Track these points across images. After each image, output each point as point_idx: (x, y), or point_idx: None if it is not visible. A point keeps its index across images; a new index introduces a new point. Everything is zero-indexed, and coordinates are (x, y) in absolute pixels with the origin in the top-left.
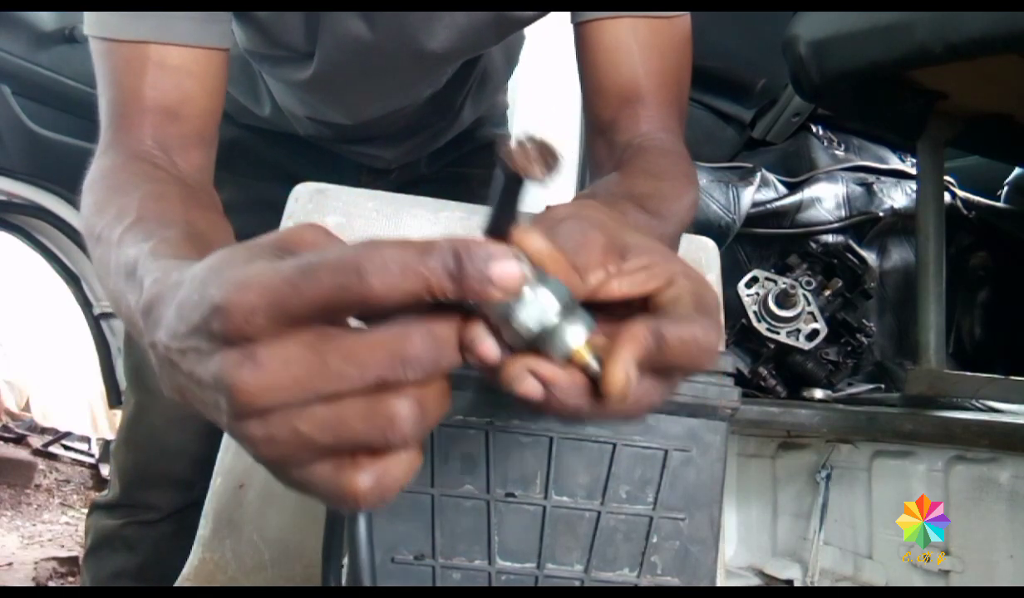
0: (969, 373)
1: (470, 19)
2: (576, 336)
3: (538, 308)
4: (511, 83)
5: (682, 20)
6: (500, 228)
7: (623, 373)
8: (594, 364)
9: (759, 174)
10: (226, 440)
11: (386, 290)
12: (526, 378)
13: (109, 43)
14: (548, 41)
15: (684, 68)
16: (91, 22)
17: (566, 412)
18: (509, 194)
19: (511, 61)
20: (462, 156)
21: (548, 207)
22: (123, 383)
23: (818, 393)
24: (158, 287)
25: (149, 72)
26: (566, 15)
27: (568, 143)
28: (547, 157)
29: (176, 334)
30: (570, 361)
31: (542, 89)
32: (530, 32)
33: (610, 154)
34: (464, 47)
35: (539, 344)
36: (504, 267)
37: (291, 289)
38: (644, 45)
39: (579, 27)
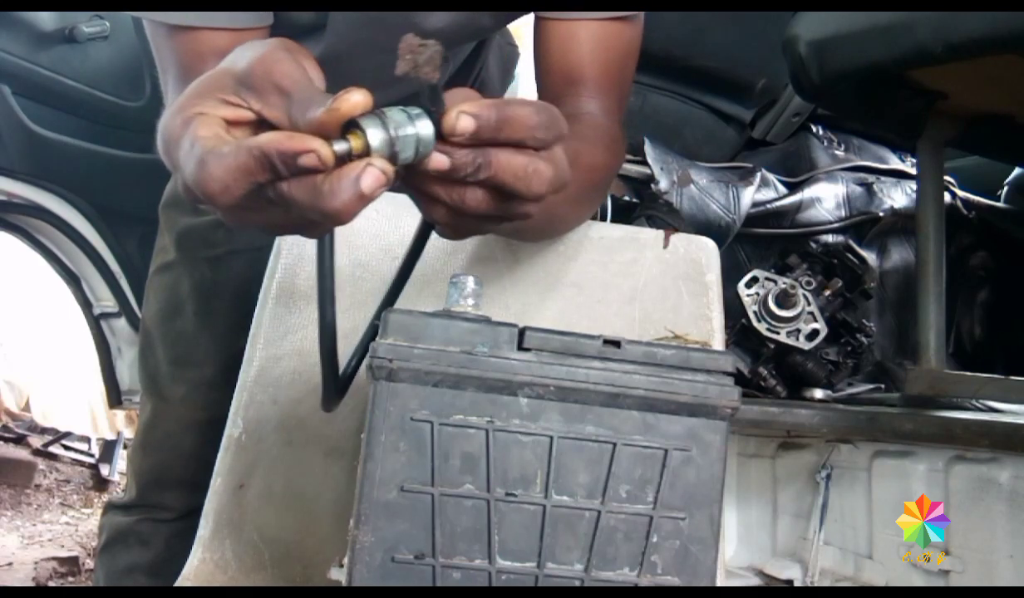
0: (969, 373)
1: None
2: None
3: (378, 138)
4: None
5: (635, 24)
6: (435, 107)
7: (452, 113)
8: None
9: (759, 174)
10: (226, 440)
11: (227, 195)
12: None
13: (167, 27)
14: None
15: (628, 63)
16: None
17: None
18: (430, 92)
19: (506, 76)
20: None
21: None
22: (123, 383)
23: (818, 393)
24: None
25: (205, 38)
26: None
27: None
28: (434, 58)
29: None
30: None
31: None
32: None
33: None
34: (463, 23)
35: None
36: (304, 158)
37: (195, 192)
38: (594, 37)
39: (541, 20)
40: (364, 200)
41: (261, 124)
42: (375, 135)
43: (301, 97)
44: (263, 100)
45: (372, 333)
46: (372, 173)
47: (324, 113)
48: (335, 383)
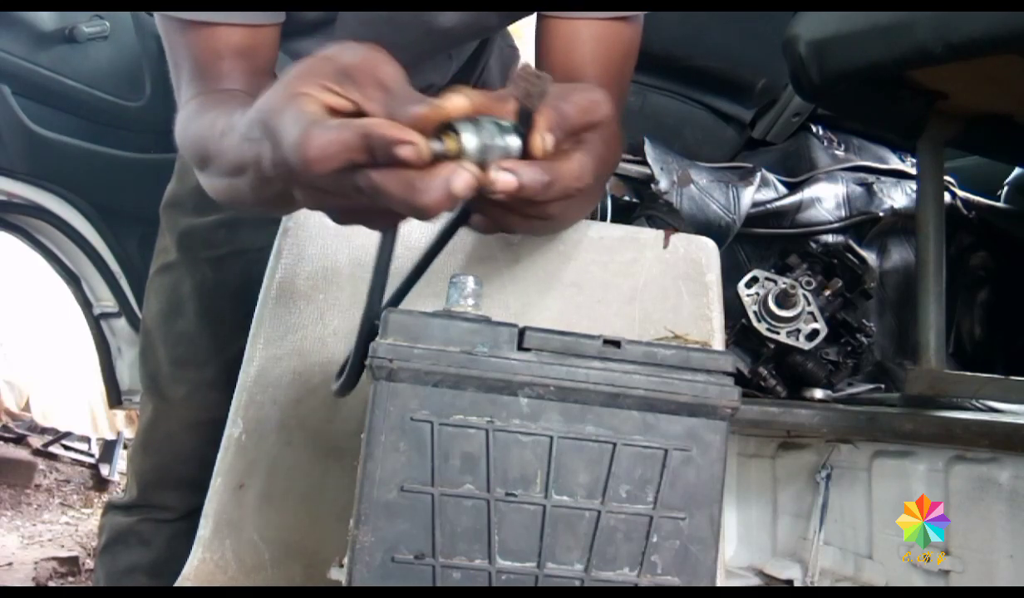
0: (969, 373)
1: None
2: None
3: (474, 140)
4: None
5: (635, 24)
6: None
7: (539, 135)
8: (516, 141)
9: (759, 174)
10: (226, 440)
11: (323, 165)
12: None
13: (182, 22)
14: None
15: (626, 61)
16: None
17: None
18: (526, 116)
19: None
20: None
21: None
22: (123, 383)
23: (818, 393)
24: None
25: (221, 33)
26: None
27: None
28: (544, 92)
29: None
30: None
31: None
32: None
33: None
34: (470, 23)
35: (485, 156)
36: (403, 149)
37: (289, 158)
38: (596, 38)
39: (543, 19)
40: (452, 201)
41: (357, 116)
42: (469, 140)
43: (401, 94)
44: (363, 92)
45: (372, 331)
46: (464, 176)
47: (428, 109)
48: (360, 368)
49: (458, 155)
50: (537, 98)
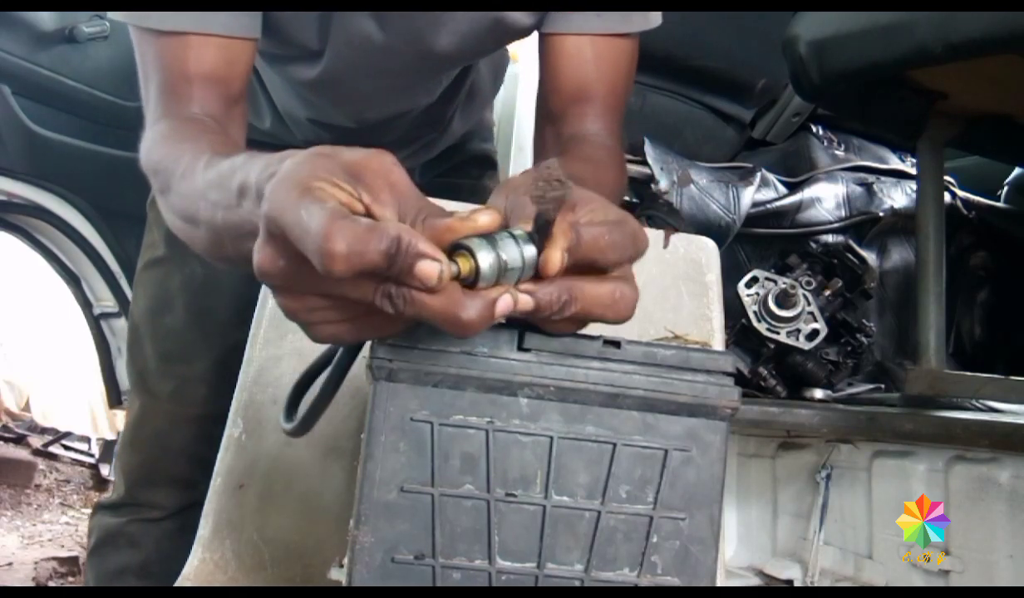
0: (969, 373)
1: (471, 24)
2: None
3: (491, 258)
4: (495, 103)
5: (635, 40)
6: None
7: (553, 252)
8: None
9: (759, 174)
10: (226, 440)
11: (348, 264)
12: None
13: (154, 34)
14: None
15: (629, 79)
16: (135, 15)
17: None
18: (544, 225)
19: (496, 80)
20: (452, 167)
21: (509, 179)
22: (123, 383)
23: (818, 393)
24: (268, 170)
25: (192, 53)
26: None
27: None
28: (561, 200)
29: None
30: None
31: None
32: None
33: (556, 142)
34: (465, 50)
35: (501, 277)
36: (423, 266)
37: (310, 253)
38: (600, 56)
39: (545, 37)
40: (492, 320)
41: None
42: (485, 259)
43: (417, 204)
44: (373, 195)
45: (350, 355)
46: (508, 302)
47: (455, 222)
48: (320, 412)
49: (472, 277)
50: (552, 203)
